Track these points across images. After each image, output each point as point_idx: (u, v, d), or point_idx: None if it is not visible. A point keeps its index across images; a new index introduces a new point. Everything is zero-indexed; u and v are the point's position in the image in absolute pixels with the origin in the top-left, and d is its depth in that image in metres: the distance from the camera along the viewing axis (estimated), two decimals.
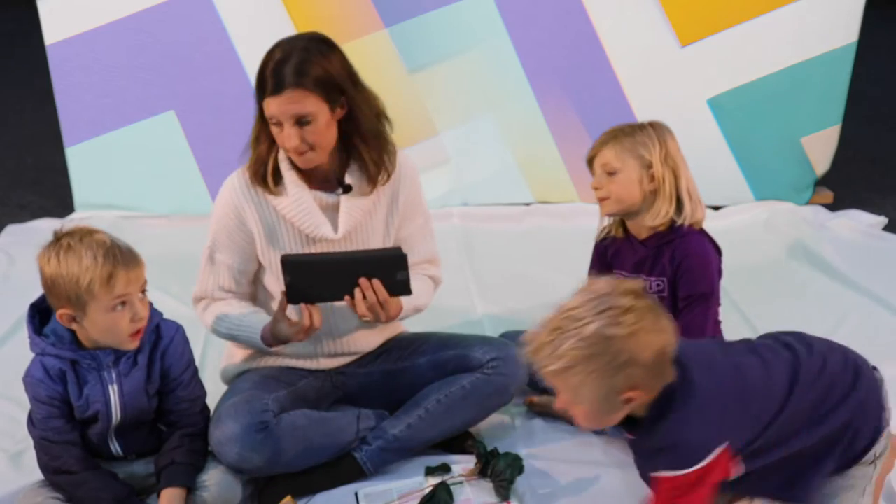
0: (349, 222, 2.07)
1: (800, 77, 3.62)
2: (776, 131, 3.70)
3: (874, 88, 5.14)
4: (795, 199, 3.77)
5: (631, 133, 2.15)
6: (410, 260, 2.14)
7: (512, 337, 2.43)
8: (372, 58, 3.53)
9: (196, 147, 3.66)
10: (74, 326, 1.80)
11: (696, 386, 1.56)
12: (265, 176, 2.05)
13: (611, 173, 2.13)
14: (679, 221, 2.14)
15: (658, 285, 2.18)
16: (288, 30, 3.51)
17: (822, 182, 3.88)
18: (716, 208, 3.70)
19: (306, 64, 1.93)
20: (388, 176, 2.10)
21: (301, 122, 1.95)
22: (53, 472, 1.89)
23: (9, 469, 2.15)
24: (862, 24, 3.57)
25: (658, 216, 2.15)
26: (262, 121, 2.03)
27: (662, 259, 2.16)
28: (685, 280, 2.14)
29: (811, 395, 1.66)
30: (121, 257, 1.77)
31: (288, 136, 1.96)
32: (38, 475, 1.95)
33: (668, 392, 1.56)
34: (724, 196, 3.71)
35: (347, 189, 2.07)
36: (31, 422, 1.89)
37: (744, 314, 2.83)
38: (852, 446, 1.71)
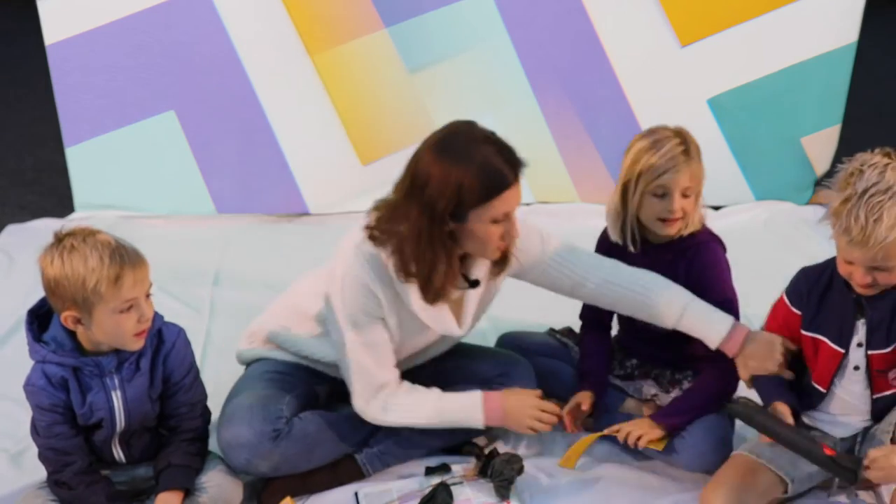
0: (472, 316, 2.04)
1: (800, 77, 3.61)
2: (776, 131, 3.69)
3: (874, 88, 5.13)
4: (795, 199, 3.77)
5: (691, 147, 2.09)
6: (587, 279, 2.09)
7: (512, 339, 2.43)
8: (372, 58, 3.53)
9: (196, 147, 3.65)
10: (79, 329, 1.78)
11: None
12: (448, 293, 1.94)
13: (687, 195, 2.09)
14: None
15: None
16: (288, 30, 3.50)
17: (822, 182, 3.88)
18: (716, 208, 3.69)
19: (507, 144, 1.88)
20: (509, 263, 2.03)
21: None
22: (55, 483, 1.88)
23: (9, 469, 2.15)
24: (862, 24, 3.57)
25: (696, 223, 2.13)
26: (447, 237, 1.86)
27: (677, 268, 2.14)
28: (707, 292, 2.10)
29: None
30: (127, 257, 1.74)
31: (515, 225, 1.89)
32: (39, 475, 1.95)
33: None
34: (724, 196, 3.70)
35: (475, 284, 2.01)
36: (35, 430, 1.87)
37: (744, 314, 2.82)
38: None
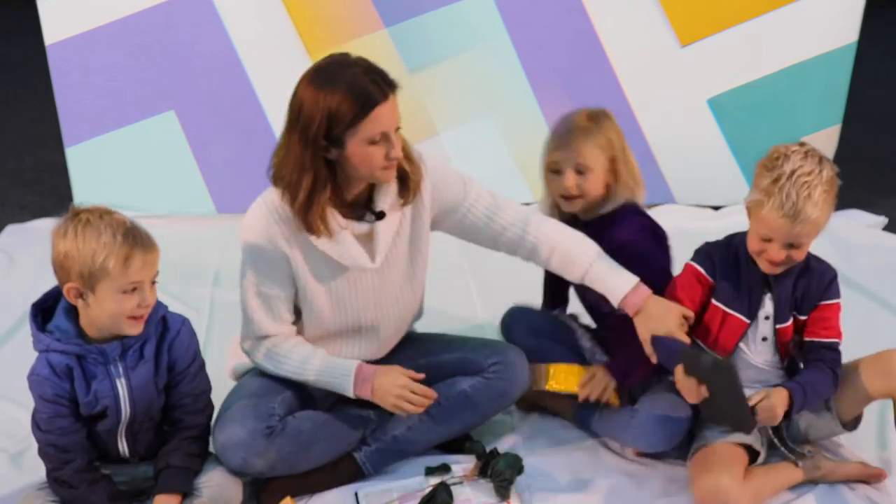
0: (385, 249, 2.02)
1: (800, 77, 3.62)
2: (776, 131, 3.68)
3: (874, 88, 5.13)
4: None
5: (594, 127, 2.15)
6: (509, 226, 2.11)
7: (517, 314, 2.43)
8: (372, 58, 3.50)
9: (196, 147, 3.65)
10: (79, 304, 1.77)
11: None
12: (324, 223, 1.93)
13: (582, 172, 2.13)
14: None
15: None
16: (288, 30, 3.51)
17: None
18: (716, 208, 3.70)
19: (381, 69, 1.90)
20: (417, 189, 2.03)
21: (398, 128, 1.92)
22: (54, 481, 1.88)
23: (9, 469, 2.15)
24: (862, 24, 3.57)
25: (615, 203, 2.17)
26: (322, 164, 1.89)
27: (602, 241, 2.15)
28: (630, 263, 2.11)
29: None
30: (140, 239, 1.76)
31: (398, 146, 1.90)
32: (39, 475, 1.94)
33: None
34: (724, 196, 3.71)
35: (381, 216, 2.01)
36: (37, 425, 1.86)
37: None
38: None
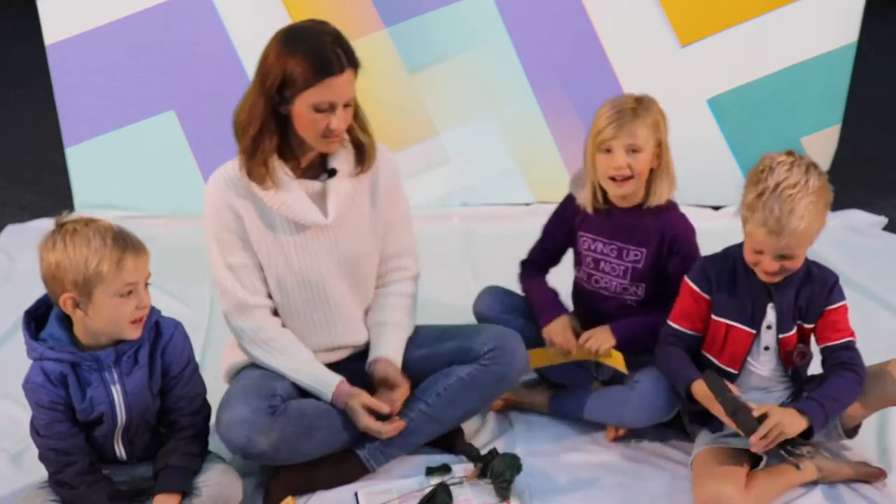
0: (338, 206, 2.06)
1: (800, 77, 3.62)
2: (776, 131, 3.69)
3: (874, 88, 5.13)
4: None
5: (646, 109, 2.14)
6: (391, 249, 2.19)
7: (491, 296, 2.45)
8: (372, 58, 3.49)
9: (196, 147, 3.66)
10: (77, 314, 1.77)
11: None
12: (268, 172, 2.01)
13: (635, 151, 2.12)
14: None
15: (636, 255, 2.20)
16: None
17: None
18: (716, 208, 3.70)
19: (349, 44, 1.97)
20: (373, 159, 2.10)
21: (347, 104, 1.97)
22: (55, 483, 1.88)
23: (9, 469, 2.15)
24: (862, 24, 3.57)
25: (662, 196, 2.17)
26: (271, 115, 1.97)
27: (646, 229, 2.17)
28: (681, 258, 2.17)
29: None
30: (129, 242, 1.77)
31: (340, 119, 1.96)
32: (39, 475, 1.94)
33: None
34: (724, 196, 3.71)
35: (333, 173, 2.06)
36: (35, 431, 1.86)
37: None
38: None
